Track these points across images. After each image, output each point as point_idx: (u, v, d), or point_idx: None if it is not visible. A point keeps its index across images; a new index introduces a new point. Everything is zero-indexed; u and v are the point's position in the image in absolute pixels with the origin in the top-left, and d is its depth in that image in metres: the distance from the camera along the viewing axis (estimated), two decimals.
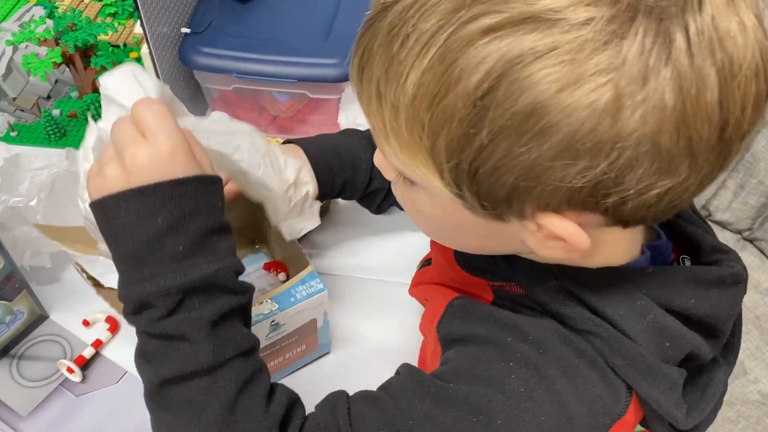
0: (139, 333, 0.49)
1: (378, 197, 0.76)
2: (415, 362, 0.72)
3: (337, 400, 0.50)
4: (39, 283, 0.77)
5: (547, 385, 0.44)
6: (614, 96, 0.34)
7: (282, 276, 0.79)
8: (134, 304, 0.47)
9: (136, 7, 0.75)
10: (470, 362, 0.47)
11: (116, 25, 0.97)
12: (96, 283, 0.58)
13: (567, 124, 0.34)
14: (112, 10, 1.11)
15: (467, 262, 0.54)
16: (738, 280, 0.48)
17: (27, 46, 1.01)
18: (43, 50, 0.94)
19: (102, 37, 1.02)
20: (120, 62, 1.03)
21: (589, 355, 0.45)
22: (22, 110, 0.98)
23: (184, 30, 0.86)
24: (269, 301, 0.65)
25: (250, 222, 0.80)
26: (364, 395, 0.50)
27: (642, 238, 0.49)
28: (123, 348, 0.74)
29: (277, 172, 0.59)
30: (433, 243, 0.62)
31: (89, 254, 0.59)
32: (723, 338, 0.48)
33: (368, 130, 0.78)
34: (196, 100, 0.94)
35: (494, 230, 0.43)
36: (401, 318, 0.76)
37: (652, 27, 0.33)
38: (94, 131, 0.54)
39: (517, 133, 0.35)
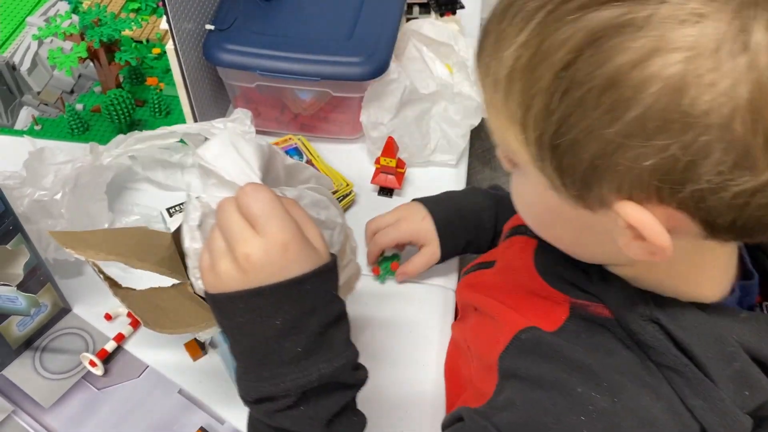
0: (255, 417, 0.50)
1: None
2: (425, 363, 0.72)
3: None
4: (62, 277, 0.78)
5: None
6: (682, 74, 0.33)
7: None
8: (253, 398, 0.48)
9: (163, 3, 0.75)
10: (539, 413, 0.46)
11: (140, 20, 0.97)
12: (113, 284, 0.58)
13: (639, 99, 0.34)
14: (136, 5, 1.11)
15: (553, 271, 0.52)
16: None
17: (52, 40, 1.01)
18: (68, 45, 0.95)
19: (126, 32, 1.03)
20: (143, 57, 1.03)
21: (666, 398, 0.44)
22: (46, 104, 0.99)
23: (209, 27, 0.87)
24: None
25: None
26: None
27: (734, 275, 0.48)
28: (144, 342, 0.74)
29: None
30: (509, 244, 0.60)
31: (102, 260, 0.59)
32: None
33: (491, 188, 0.80)
34: (219, 96, 0.95)
35: (584, 221, 0.42)
36: (412, 317, 0.76)
37: (737, 13, 0.33)
38: (197, 208, 0.53)
39: (593, 107, 0.36)
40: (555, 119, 0.37)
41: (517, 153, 0.42)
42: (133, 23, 0.94)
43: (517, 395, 0.48)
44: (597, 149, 0.37)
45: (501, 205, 0.77)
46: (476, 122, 0.90)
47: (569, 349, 0.47)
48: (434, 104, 0.92)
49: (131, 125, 0.95)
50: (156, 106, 0.97)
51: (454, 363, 0.67)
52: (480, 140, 1.04)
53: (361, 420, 0.52)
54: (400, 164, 0.87)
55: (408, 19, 1.02)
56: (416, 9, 1.04)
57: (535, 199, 0.46)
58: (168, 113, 0.99)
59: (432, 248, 0.77)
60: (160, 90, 1.01)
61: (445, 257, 0.77)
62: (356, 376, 0.50)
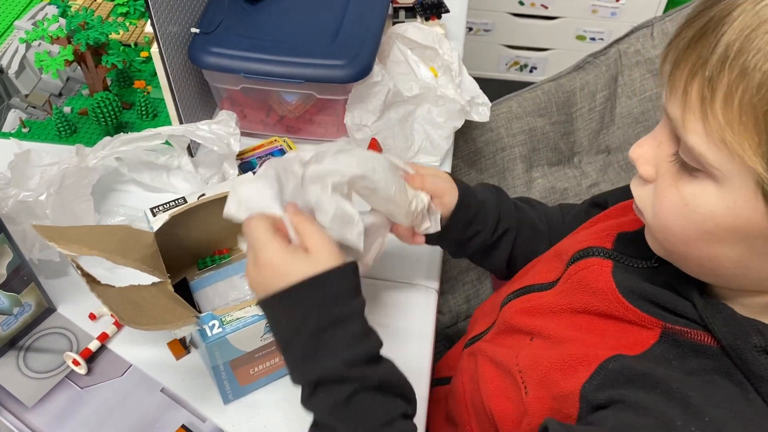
0: None
1: (508, 238, 0.72)
2: (405, 361, 0.71)
3: None
4: (47, 277, 0.78)
5: None
6: None
7: None
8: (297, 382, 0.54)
9: (147, 7, 0.76)
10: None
11: (128, 24, 0.98)
12: (91, 279, 0.59)
13: None
14: (124, 9, 1.12)
15: (642, 295, 0.51)
16: None
17: (40, 44, 1.02)
18: (55, 48, 0.96)
19: (113, 36, 1.04)
20: (130, 60, 1.04)
21: None
22: (34, 107, 1.00)
23: (194, 30, 0.87)
24: None
25: None
26: None
27: None
28: (128, 342, 0.75)
29: (402, 191, 0.65)
30: (583, 266, 0.57)
31: (85, 255, 0.60)
32: None
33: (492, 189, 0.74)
34: (206, 99, 0.96)
35: None
36: (393, 316, 0.77)
37: None
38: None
39: None
40: None
41: (731, 160, 0.39)
42: (120, 27, 0.95)
43: (609, 415, 0.47)
44: None
45: (501, 204, 0.73)
46: (459, 124, 0.90)
47: (664, 375, 0.45)
48: (418, 106, 0.93)
49: (118, 128, 0.96)
50: (143, 108, 0.98)
51: (498, 387, 0.61)
52: (465, 142, 1.05)
53: (390, 410, 0.51)
54: None
55: (394, 23, 1.03)
56: (402, 13, 1.05)
57: (722, 211, 0.41)
58: (155, 116, 0.99)
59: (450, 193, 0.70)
60: (148, 93, 1.02)
61: (457, 213, 0.70)
62: (360, 371, 0.51)
